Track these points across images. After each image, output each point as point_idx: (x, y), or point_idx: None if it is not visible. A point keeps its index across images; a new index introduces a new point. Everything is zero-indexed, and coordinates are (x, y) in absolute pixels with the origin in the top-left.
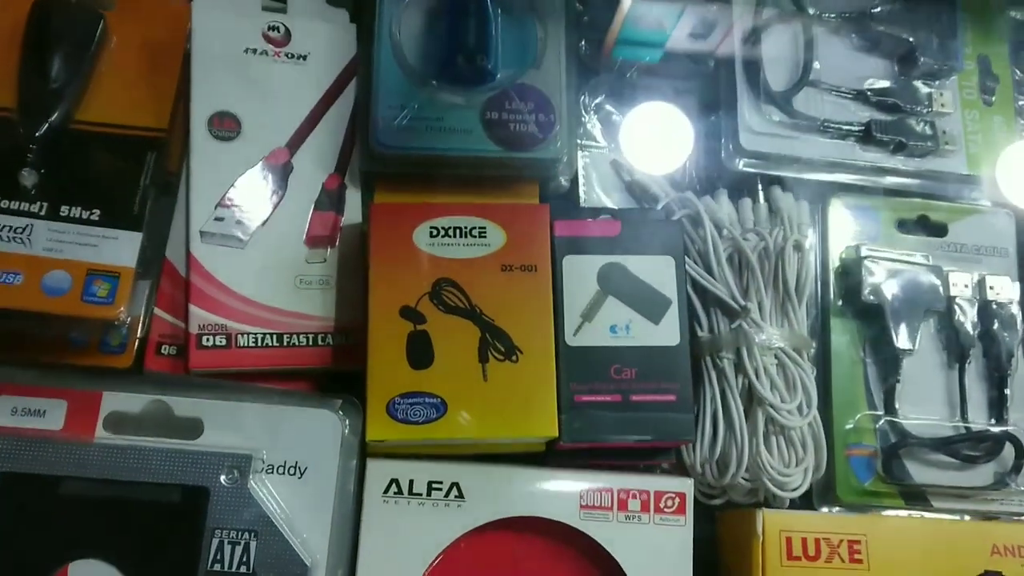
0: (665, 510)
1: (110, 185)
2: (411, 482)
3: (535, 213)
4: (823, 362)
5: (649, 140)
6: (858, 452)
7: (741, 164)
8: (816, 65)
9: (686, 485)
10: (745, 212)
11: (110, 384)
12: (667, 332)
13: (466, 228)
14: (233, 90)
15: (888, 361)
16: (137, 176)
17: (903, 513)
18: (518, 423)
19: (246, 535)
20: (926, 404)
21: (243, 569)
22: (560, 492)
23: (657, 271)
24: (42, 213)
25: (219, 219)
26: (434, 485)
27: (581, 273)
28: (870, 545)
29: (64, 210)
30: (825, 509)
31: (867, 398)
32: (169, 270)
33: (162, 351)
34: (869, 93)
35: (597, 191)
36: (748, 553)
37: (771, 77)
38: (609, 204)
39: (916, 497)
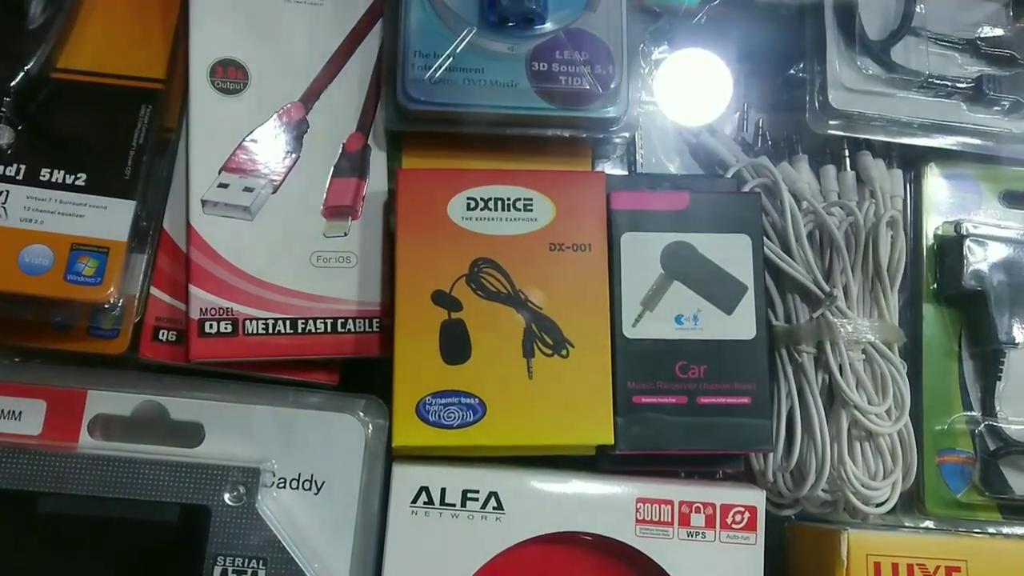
0: (733, 526)
1: (98, 145)
2: (443, 490)
3: (589, 182)
4: (912, 355)
5: (687, 92)
6: (951, 459)
7: (829, 126)
8: (919, 9)
9: (757, 498)
10: (828, 182)
11: (96, 381)
12: (741, 324)
13: (509, 199)
14: (239, 35)
15: (988, 356)
16: (129, 134)
17: (1005, 531)
18: (568, 428)
19: (254, 563)
20: None
21: None
22: (613, 504)
23: (731, 252)
24: (19, 177)
25: (223, 185)
26: (470, 494)
27: (642, 253)
28: (971, 572)
29: (44, 174)
30: (910, 523)
31: (963, 398)
32: (167, 244)
33: (159, 336)
34: (980, 43)
35: (657, 155)
36: None
37: (866, 23)
38: (671, 170)
39: (1018, 511)
